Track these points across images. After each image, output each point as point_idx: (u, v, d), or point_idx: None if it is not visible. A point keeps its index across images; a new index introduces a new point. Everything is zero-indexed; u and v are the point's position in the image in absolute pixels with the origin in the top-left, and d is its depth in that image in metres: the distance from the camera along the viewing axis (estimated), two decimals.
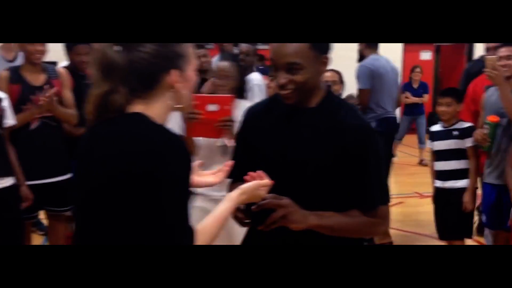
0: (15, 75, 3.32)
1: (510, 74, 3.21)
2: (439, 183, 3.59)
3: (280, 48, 1.58)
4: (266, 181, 1.48)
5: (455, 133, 3.49)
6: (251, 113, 1.79)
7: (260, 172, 1.50)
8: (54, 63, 3.88)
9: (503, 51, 3.26)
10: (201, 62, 4.26)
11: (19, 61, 3.98)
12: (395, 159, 5.59)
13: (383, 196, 1.67)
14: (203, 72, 4.30)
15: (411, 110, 7.80)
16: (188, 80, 1.33)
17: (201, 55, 4.27)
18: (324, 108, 1.64)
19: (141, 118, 1.25)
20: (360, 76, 4.47)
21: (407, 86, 7.74)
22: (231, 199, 1.41)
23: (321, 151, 1.59)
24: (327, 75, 3.72)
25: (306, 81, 1.58)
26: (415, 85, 7.84)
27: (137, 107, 1.27)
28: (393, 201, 5.49)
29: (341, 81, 3.85)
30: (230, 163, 1.61)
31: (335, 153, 1.58)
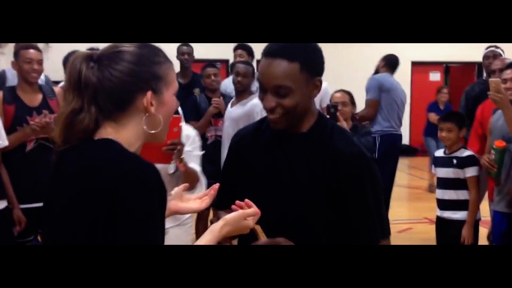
0: (10, 95, 3.26)
1: None
2: (438, 212, 3.46)
3: (268, 69, 1.47)
4: (252, 210, 1.37)
5: (455, 161, 3.35)
6: (240, 136, 1.70)
7: (247, 201, 1.40)
8: (57, 83, 3.84)
9: (508, 73, 3.13)
10: (211, 81, 4.23)
11: None
12: (405, 183, 5.52)
13: (384, 229, 1.57)
14: (212, 92, 4.25)
15: (433, 131, 7.63)
16: (165, 104, 1.24)
17: (212, 74, 4.22)
18: (315, 133, 1.54)
19: (108, 145, 1.17)
20: (368, 88, 4.71)
21: (433, 107, 7.61)
22: (213, 231, 1.31)
23: (312, 181, 1.50)
24: (337, 95, 3.61)
25: (296, 106, 1.48)
26: (441, 106, 7.69)
27: (107, 130, 1.20)
28: (401, 226, 5.38)
29: (352, 102, 3.64)
30: (216, 186, 1.50)
31: (328, 183, 1.49)
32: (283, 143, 1.55)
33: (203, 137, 3.80)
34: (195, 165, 2.47)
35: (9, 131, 3.10)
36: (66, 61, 3.67)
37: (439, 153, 3.52)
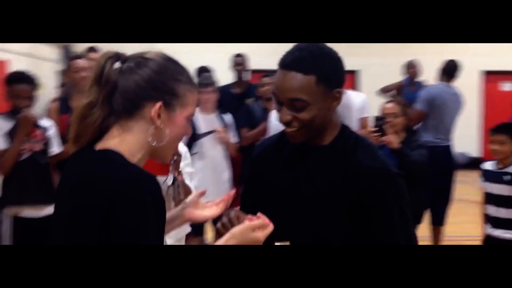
0: (64, 105, 3.38)
1: None
2: (489, 229, 3.18)
3: (283, 82, 1.39)
4: (260, 222, 1.29)
5: (507, 177, 3.07)
6: (262, 148, 1.63)
7: (260, 215, 1.32)
8: None
9: None
10: (265, 90, 4.20)
11: None
12: (476, 198, 5.22)
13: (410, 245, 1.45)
14: (267, 100, 4.18)
15: None
16: (174, 123, 1.22)
17: (267, 83, 4.20)
18: (338, 146, 1.46)
19: (106, 157, 1.16)
20: (420, 98, 4.73)
21: None
22: (219, 244, 1.28)
23: (332, 195, 1.41)
24: (387, 106, 3.47)
25: (313, 119, 1.39)
26: None
27: (113, 133, 1.20)
28: (470, 243, 5.07)
29: (404, 113, 3.47)
30: (232, 192, 1.48)
31: (349, 198, 1.40)
32: (304, 157, 1.48)
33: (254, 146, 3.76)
34: (188, 181, 2.46)
35: (64, 139, 3.14)
36: None
37: (488, 166, 3.23)
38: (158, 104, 1.18)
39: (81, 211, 1.11)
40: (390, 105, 3.48)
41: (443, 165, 4.57)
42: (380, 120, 3.29)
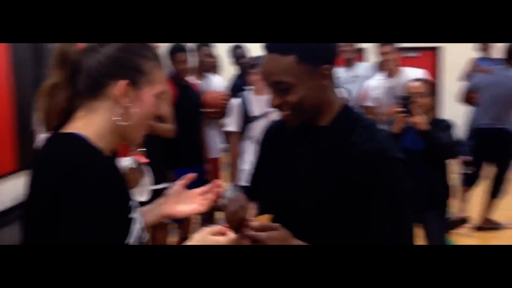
0: None
1: None
2: None
3: (265, 65, 1.36)
4: (218, 228, 1.26)
5: None
6: (268, 130, 1.63)
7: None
8: None
9: None
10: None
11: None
12: None
13: (398, 237, 1.33)
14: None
15: None
16: (141, 101, 1.18)
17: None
18: (335, 127, 1.40)
19: (66, 140, 1.14)
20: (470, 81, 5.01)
21: None
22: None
23: (323, 177, 1.36)
24: (412, 85, 3.25)
25: (301, 101, 1.34)
26: None
27: (80, 115, 1.17)
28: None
29: (431, 93, 3.26)
30: (218, 182, 1.42)
31: (338, 181, 1.34)
32: (302, 138, 1.44)
33: None
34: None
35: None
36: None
37: None
38: (123, 83, 1.15)
39: (35, 195, 1.12)
40: (416, 83, 3.25)
41: (497, 148, 4.71)
42: (406, 100, 3.11)
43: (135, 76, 1.16)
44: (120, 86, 1.15)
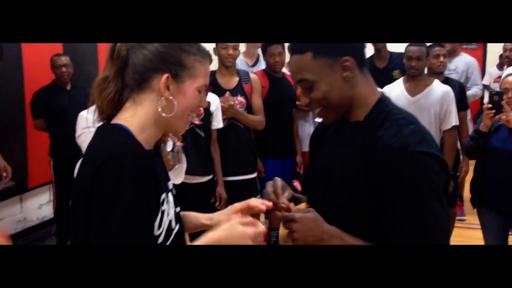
0: (209, 78, 3.57)
1: None
2: None
3: (291, 66, 1.41)
4: (249, 219, 1.29)
5: None
6: (317, 130, 1.64)
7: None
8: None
9: None
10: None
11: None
12: None
13: (422, 235, 1.26)
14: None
15: None
16: (184, 94, 1.25)
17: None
18: (368, 122, 1.38)
19: (110, 130, 1.22)
20: None
21: None
22: (205, 236, 1.25)
23: (354, 174, 1.35)
24: (508, 80, 2.96)
25: (326, 96, 1.36)
26: None
27: (127, 106, 1.25)
28: None
29: None
30: (269, 204, 1.43)
31: (366, 177, 1.31)
32: (340, 134, 1.45)
33: None
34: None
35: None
36: None
37: None
38: (165, 76, 1.21)
39: (78, 183, 1.18)
40: (511, 78, 2.98)
41: None
42: (497, 95, 2.88)
43: (176, 70, 1.23)
44: (162, 79, 1.21)
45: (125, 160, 1.13)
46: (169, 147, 2.52)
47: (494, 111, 2.89)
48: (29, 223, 4.73)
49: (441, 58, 3.78)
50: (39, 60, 4.37)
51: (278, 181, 1.49)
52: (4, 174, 3.66)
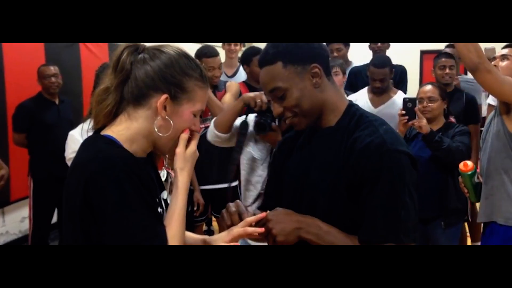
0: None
1: None
2: None
3: (261, 79, 1.44)
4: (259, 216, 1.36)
5: None
6: (283, 140, 1.67)
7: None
8: None
9: None
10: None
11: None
12: None
13: (398, 232, 1.32)
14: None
15: None
16: (180, 116, 1.25)
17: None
18: (341, 126, 1.44)
19: (99, 140, 1.23)
20: None
21: None
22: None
23: (334, 175, 1.39)
24: (423, 89, 3.18)
25: (298, 103, 1.41)
26: None
27: (121, 120, 1.26)
28: None
29: (442, 98, 3.18)
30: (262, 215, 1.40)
31: (348, 179, 1.36)
32: (312, 140, 1.49)
33: None
34: None
35: None
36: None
37: None
38: (164, 97, 1.22)
39: (68, 195, 1.19)
40: (428, 87, 3.17)
41: None
42: (410, 102, 3.02)
43: (176, 91, 1.24)
44: (161, 99, 1.22)
45: (115, 160, 1.15)
46: (163, 176, 2.51)
47: (407, 117, 3.00)
48: (11, 236, 4.70)
49: (447, 70, 3.80)
50: (21, 70, 4.33)
51: (240, 204, 1.47)
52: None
